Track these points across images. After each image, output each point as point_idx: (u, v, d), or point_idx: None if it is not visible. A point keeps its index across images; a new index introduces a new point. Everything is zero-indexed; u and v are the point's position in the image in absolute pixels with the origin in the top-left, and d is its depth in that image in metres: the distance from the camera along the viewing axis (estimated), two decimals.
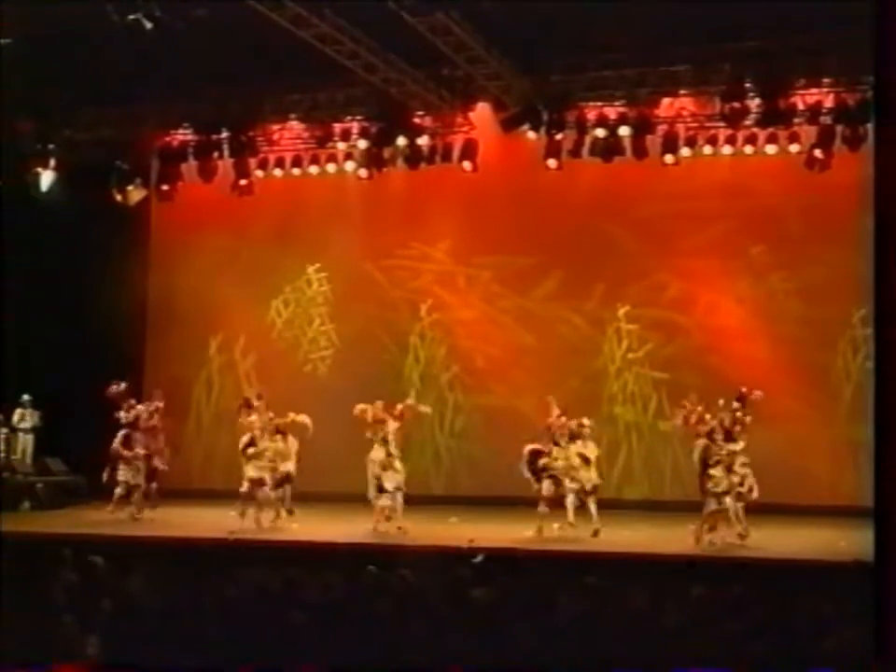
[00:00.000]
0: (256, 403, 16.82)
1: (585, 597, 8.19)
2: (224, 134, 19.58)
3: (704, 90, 17.86)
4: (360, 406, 16.19)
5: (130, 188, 20.09)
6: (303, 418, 16.56)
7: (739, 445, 15.01)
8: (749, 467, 15.01)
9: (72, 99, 18.50)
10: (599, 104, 18.23)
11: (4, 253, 18.36)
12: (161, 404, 17.52)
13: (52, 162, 19.75)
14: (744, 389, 15.51)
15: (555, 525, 15.51)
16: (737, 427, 15.14)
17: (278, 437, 16.51)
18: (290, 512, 16.46)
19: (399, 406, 16.25)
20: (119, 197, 20.01)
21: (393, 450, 15.93)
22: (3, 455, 19.43)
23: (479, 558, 10.84)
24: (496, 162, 19.01)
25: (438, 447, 20.20)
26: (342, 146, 19.52)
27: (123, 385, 17.39)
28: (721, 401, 15.60)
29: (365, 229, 20.35)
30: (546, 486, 15.35)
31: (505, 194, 19.47)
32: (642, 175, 18.40)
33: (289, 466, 16.50)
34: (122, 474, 17.05)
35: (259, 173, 19.99)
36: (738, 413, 15.21)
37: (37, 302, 19.47)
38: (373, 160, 19.24)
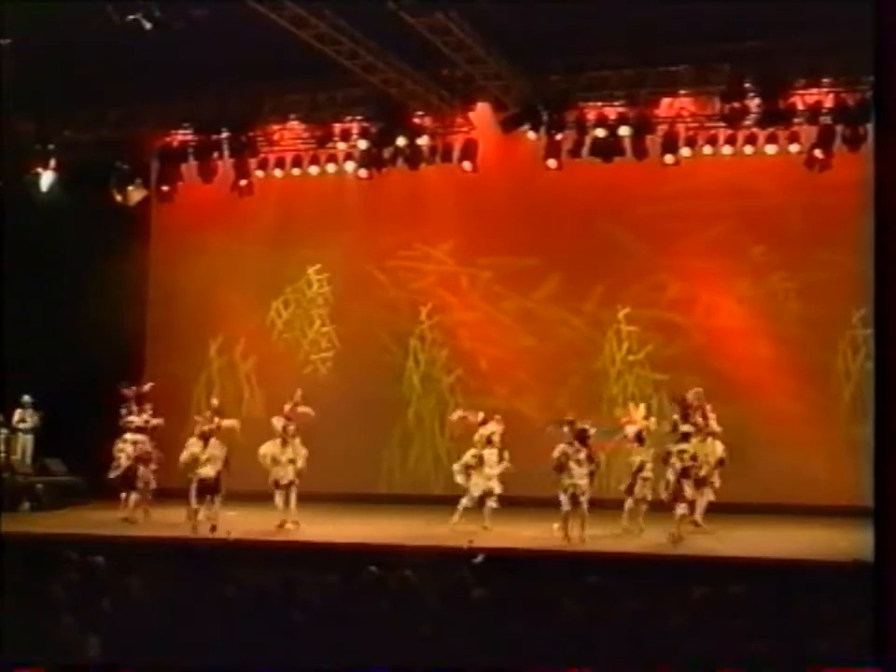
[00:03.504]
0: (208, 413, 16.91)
1: (586, 597, 8.19)
2: (224, 134, 19.58)
3: (704, 90, 17.86)
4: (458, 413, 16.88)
5: (130, 188, 20.08)
6: (231, 423, 16.68)
7: (676, 447, 15.30)
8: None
9: (72, 99, 18.48)
10: (599, 104, 18.24)
11: (4, 253, 18.35)
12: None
13: (52, 162, 19.74)
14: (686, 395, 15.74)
15: (555, 525, 15.51)
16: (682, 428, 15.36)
17: (200, 442, 16.38)
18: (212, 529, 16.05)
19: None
20: (119, 197, 20.01)
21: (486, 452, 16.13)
22: (3, 455, 19.41)
23: (479, 558, 10.82)
24: (496, 162, 19.01)
25: (437, 449, 20.20)
26: (342, 146, 19.52)
27: (148, 387, 17.73)
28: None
29: (365, 229, 20.34)
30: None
31: (505, 194, 19.46)
32: (642, 175, 18.39)
33: (208, 471, 16.25)
34: (143, 475, 17.15)
35: (259, 173, 19.99)
36: (675, 417, 15.47)
37: (37, 303, 19.47)
38: (373, 160, 19.23)
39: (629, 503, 15.63)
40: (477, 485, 15.98)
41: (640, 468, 15.58)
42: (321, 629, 7.41)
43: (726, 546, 14.38)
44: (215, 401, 17.58)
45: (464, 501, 16.05)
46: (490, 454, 16.10)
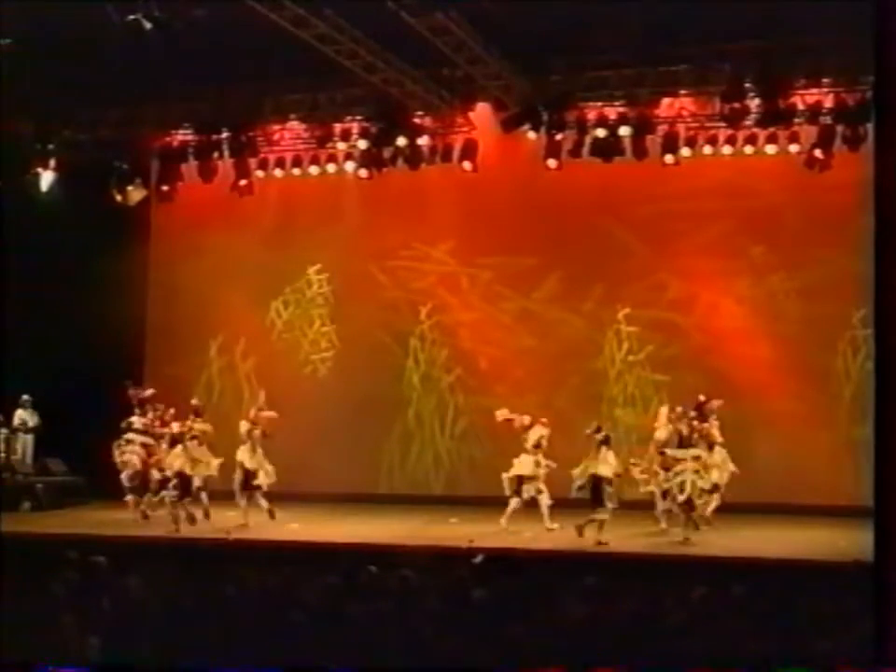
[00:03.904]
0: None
1: (586, 597, 8.19)
2: (224, 134, 19.57)
3: (704, 90, 17.86)
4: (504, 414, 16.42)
5: (130, 188, 20.07)
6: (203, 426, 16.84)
7: (689, 452, 15.21)
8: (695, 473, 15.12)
9: (72, 99, 18.48)
10: (599, 104, 18.23)
11: (4, 253, 18.36)
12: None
13: (52, 162, 19.73)
14: (701, 398, 15.79)
15: (555, 525, 15.53)
16: (694, 435, 15.33)
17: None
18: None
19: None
20: (119, 197, 20.00)
21: (541, 458, 15.93)
22: (3, 455, 19.42)
23: (479, 559, 10.82)
24: (496, 162, 19.01)
25: (438, 449, 20.20)
26: (342, 146, 19.51)
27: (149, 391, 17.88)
28: (680, 409, 15.74)
29: (365, 229, 20.34)
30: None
31: (505, 194, 19.46)
32: (642, 175, 18.38)
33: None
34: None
35: (259, 173, 19.98)
36: (695, 423, 15.40)
37: (37, 303, 19.47)
38: (373, 160, 19.23)
39: (665, 505, 15.42)
40: (528, 490, 15.78)
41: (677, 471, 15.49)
42: (321, 629, 7.40)
43: (726, 546, 14.38)
44: (194, 401, 17.70)
45: (513, 504, 15.82)
46: (542, 460, 15.93)
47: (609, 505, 14.76)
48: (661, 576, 11.19)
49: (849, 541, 12.73)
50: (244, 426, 16.77)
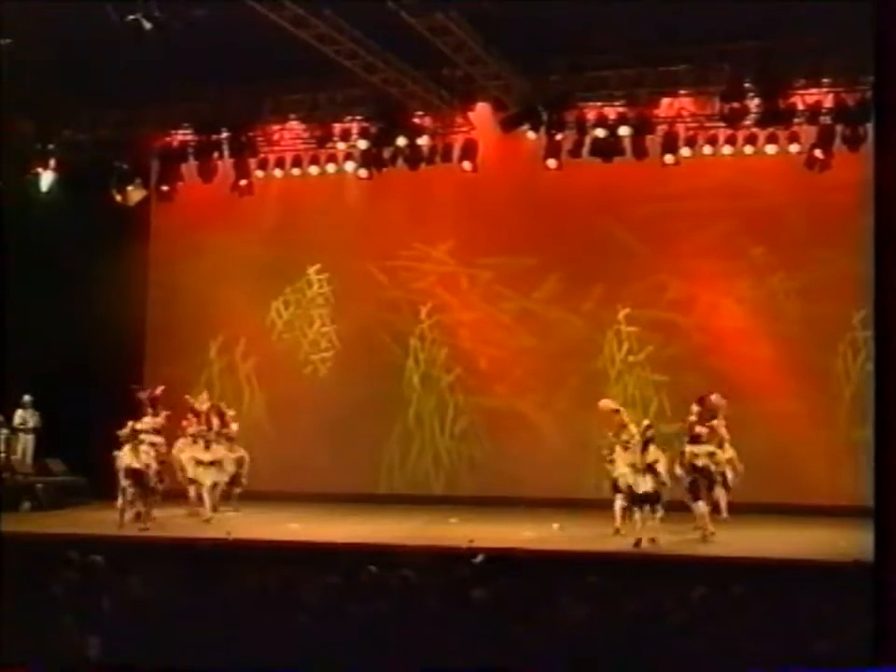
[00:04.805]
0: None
1: (586, 597, 8.19)
2: (224, 134, 19.59)
3: (704, 90, 17.87)
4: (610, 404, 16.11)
5: (130, 188, 20.07)
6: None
7: (703, 449, 15.30)
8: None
9: (72, 99, 18.48)
10: (599, 104, 18.24)
11: (4, 253, 18.36)
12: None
13: (52, 162, 19.74)
14: (704, 395, 15.87)
15: (555, 525, 15.52)
16: (704, 432, 15.42)
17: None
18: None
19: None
20: (118, 197, 20.00)
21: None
22: (3, 455, 19.42)
23: (479, 559, 10.82)
24: (496, 162, 19.01)
25: (438, 448, 20.19)
26: (342, 146, 19.52)
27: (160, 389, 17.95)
28: (695, 407, 15.72)
29: (365, 229, 20.34)
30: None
31: (505, 194, 19.46)
32: (642, 175, 18.39)
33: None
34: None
35: (259, 173, 19.99)
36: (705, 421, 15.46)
37: (37, 303, 19.47)
38: (373, 160, 19.23)
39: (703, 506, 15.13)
40: (637, 484, 15.13)
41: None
42: (321, 629, 7.40)
43: (726, 546, 14.37)
44: (188, 398, 18.21)
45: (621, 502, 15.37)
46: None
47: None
48: (661, 576, 11.19)
49: (849, 541, 12.72)
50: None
